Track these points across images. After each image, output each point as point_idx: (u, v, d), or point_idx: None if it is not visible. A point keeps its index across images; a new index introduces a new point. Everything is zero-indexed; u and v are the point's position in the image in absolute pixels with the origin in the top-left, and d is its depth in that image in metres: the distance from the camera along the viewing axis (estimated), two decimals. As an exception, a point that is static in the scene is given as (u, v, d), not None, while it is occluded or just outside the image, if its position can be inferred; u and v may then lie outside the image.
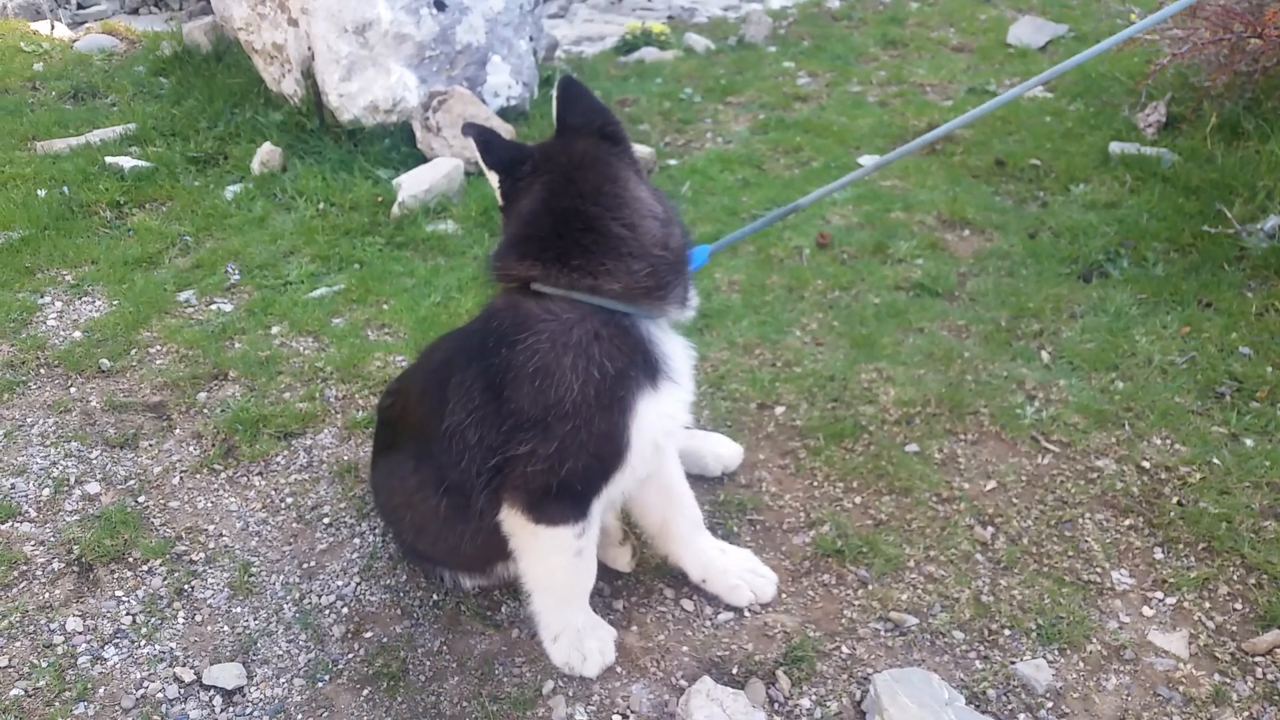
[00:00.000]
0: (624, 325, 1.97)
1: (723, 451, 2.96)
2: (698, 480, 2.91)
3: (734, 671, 2.35)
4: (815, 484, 2.90)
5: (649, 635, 2.47)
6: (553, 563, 2.24)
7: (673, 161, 5.22)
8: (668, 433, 2.07)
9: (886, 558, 2.61)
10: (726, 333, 3.59)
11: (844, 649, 2.40)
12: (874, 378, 3.30)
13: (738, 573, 2.53)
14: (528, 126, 5.47)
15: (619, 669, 2.38)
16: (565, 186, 2.00)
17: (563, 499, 2.07)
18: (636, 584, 2.63)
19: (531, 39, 5.80)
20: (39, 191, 4.75)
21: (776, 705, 2.27)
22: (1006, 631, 2.40)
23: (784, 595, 2.55)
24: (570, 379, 1.90)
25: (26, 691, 2.39)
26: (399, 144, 5.06)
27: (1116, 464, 2.84)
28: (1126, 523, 2.66)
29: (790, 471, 2.95)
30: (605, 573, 2.66)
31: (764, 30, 7.66)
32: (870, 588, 2.55)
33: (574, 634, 2.37)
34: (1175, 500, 2.70)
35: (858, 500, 2.83)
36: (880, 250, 4.08)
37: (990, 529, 2.69)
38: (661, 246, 2.02)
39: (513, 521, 2.17)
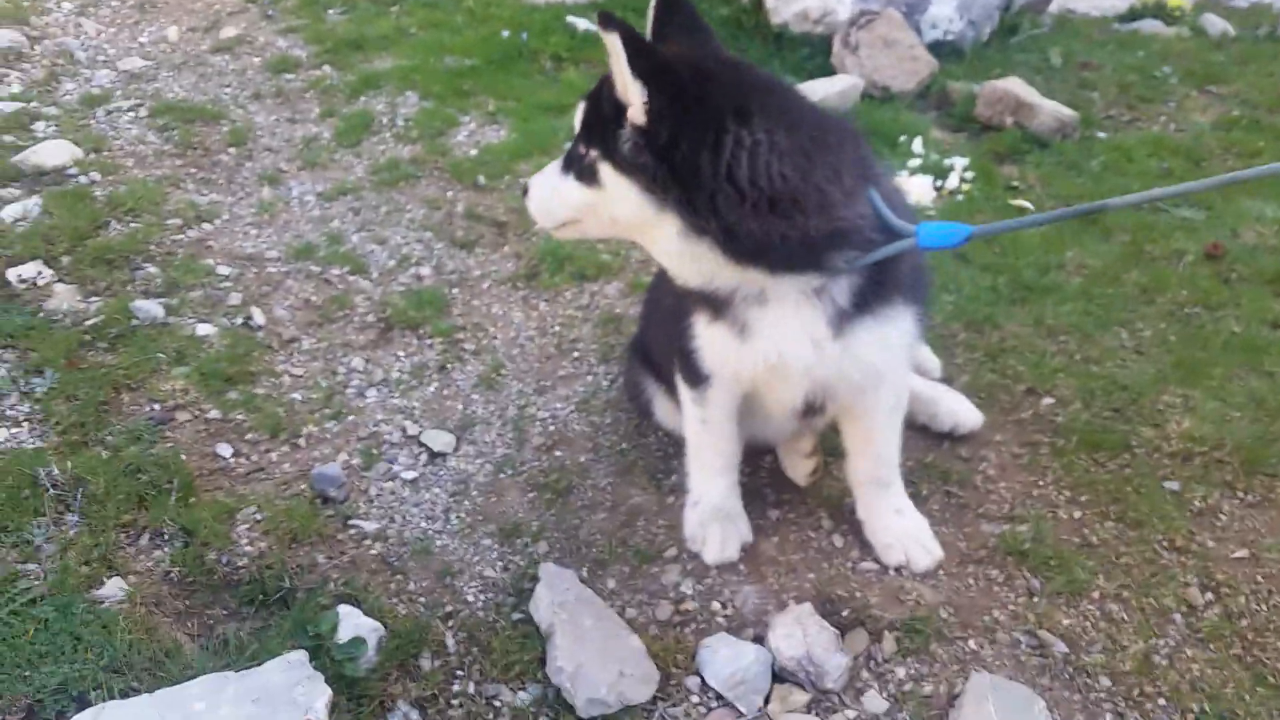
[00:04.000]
0: None
1: (959, 410, 2.77)
2: (921, 432, 2.77)
3: (844, 614, 2.27)
4: (1040, 484, 2.63)
5: (785, 550, 2.46)
6: (688, 415, 2.38)
7: (1102, 135, 4.71)
8: (739, 362, 2.09)
9: (1071, 578, 2.33)
10: (1040, 311, 3.28)
11: (971, 644, 2.21)
12: (1175, 403, 2.86)
13: (898, 534, 2.41)
14: (958, 65, 5.22)
15: (742, 567, 2.41)
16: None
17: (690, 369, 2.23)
18: (801, 501, 2.60)
19: (999, -22, 5.47)
20: (504, 32, 5.48)
21: (871, 662, 2.18)
22: (1161, 701, 2.06)
23: (940, 573, 2.38)
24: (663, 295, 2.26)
25: (303, 398, 2.98)
26: (816, 55, 5.10)
27: None
28: (1392, 654, 2.12)
29: (1021, 463, 2.70)
30: (782, 481, 2.67)
31: (1307, 24, 6.49)
32: (1035, 599, 2.30)
33: (709, 509, 2.43)
34: None
35: (1076, 515, 2.52)
36: (1279, 281, 3.44)
37: (1210, 595, 2.28)
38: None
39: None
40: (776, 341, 2.00)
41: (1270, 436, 2.71)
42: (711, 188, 1.78)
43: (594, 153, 1.91)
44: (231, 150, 4.42)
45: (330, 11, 6.04)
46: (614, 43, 1.70)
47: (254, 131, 4.59)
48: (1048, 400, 2.91)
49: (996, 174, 4.29)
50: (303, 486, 2.63)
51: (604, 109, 1.84)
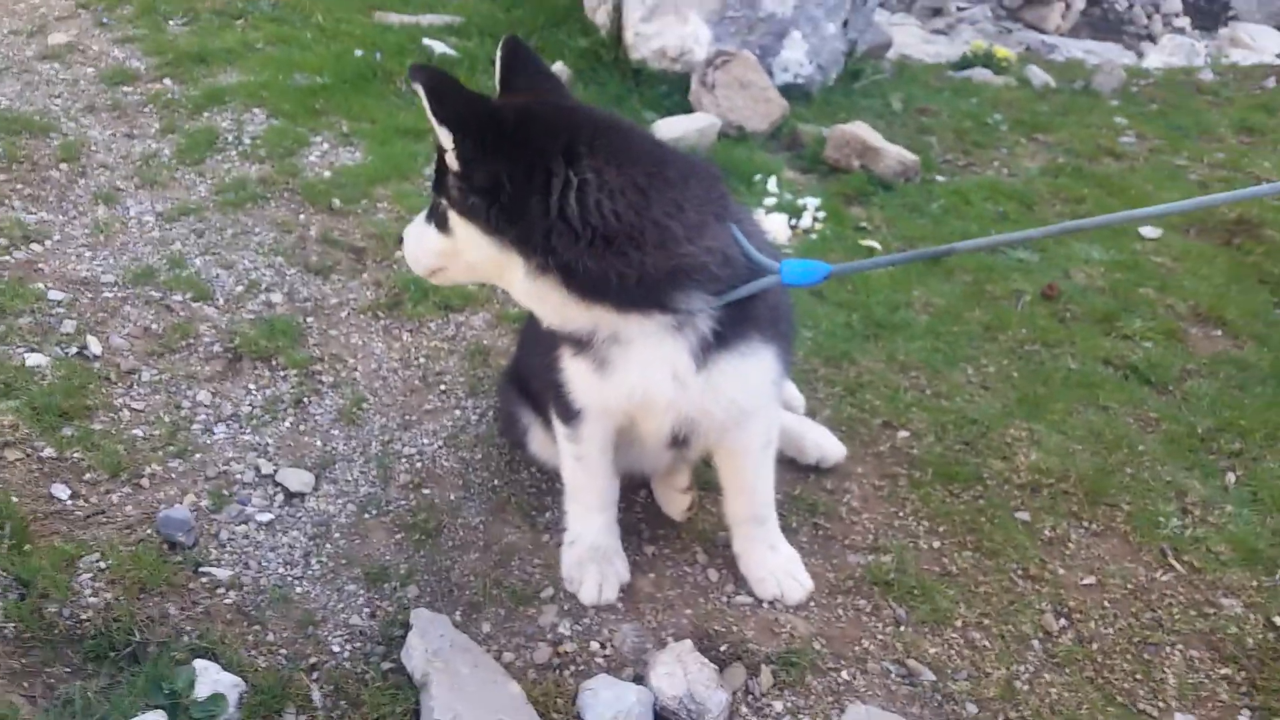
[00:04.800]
0: None
1: (824, 444, 2.85)
2: (789, 465, 2.83)
3: (722, 649, 2.28)
4: (900, 515, 2.72)
5: (662, 587, 2.45)
6: (563, 452, 2.36)
7: (940, 178, 4.99)
8: (603, 397, 2.11)
9: (934, 608, 2.42)
10: (892, 348, 3.42)
11: (844, 674, 2.26)
12: (1021, 436, 3.03)
13: (772, 569, 2.45)
14: (807, 108, 5.42)
15: (620, 605, 2.39)
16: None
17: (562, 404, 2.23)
18: (676, 537, 2.61)
19: (846, 25, 5.72)
20: (356, 51, 5.33)
21: (750, 697, 2.19)
22: (1023, 725, 2.16)
23: (812, 604, 2.43)
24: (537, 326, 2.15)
25: (144, 435, 2.77)
26: (674, 92, 5.19)
27: (1243, 609, 2.44)
28: (1223, 671, 2.29)
29: (881, 494, 2.79)
30: (658, 517, 2.67)
31: (1114, 82, 7.08)
32: (902, 629, 2.37)
33: (586, 548, 2.41)
34: (1297, 671, 2.29)
35: (935, 544, 2.63)
36: (1108, 320, 3.71)
37: (1063, 621, 2.41)
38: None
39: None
40: (638, 377, 2.01)
41: (1109, 468, 2.91)
42: (544, 226, 1.82)
43: (443, 201, 1.96)
44: (63, 166, 4.09)
45: (171, 22, 5.72)
46: (420, 91, 1.76)
47: (88, 146, 4.27)
48: (903, 433, 3.03)
49: (846, 214, 4.46)
50: (148, 531, 2.44)
51: (444, 159, 1.88)
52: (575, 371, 2.11)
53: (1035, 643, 2.36)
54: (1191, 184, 5.29)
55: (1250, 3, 15.27)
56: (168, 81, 4.98)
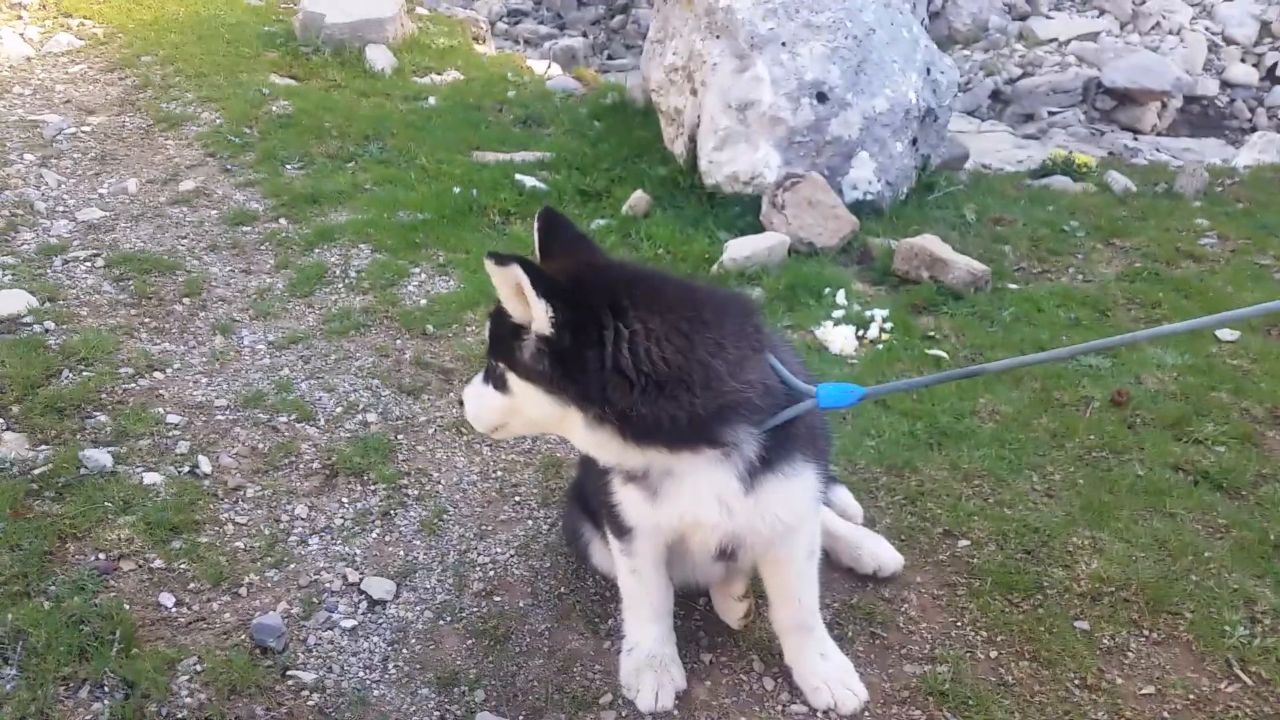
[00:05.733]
0: None
1: (881, 553, 2.93)
2: (846, 574, 2.92)
3: (773, 755, 2.36)
4: (958, 624, 2.77)
5: (718, 695, 2.55)
6: (619, 565, 2.52)
7: (1013, 286, 5.06)
8: (654, 520, 2.26)
9: (989, 717, 2.45)
10: (956, 455, 3.49)
11: (894, 782, 2.31)
12: (1083, 545, 3.04)
13: (825, 677, 2.52)
14: (878, 223, 5.59)
15: (676, 712, 2.49)
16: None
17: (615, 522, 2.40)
18: (734, 645, 2.71)
19: (915, 143, 5.92)
20: (455, 189, 5.77)
21: (799, 804, 2.26)
22: (1072, 835, 2.16)
23: (866, 714, 2.49)
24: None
25: (245, 547, 3.04)
26: (746, 213, 5.45)
27: (1312, 721, 2.40)
28: (1287, 786, 2.26)
29: (940, 604, 2.84)
30: (716, 624, 2.78)
31: (1197, 184, 7.04)
32: (954, 739, 2.41)
33: (643, 656, 2.53)
34: (1364, 785, 2.23)
35: (993, 654, 2.66)
36: (1179, 425, 3.70)
37: (1118, 732, 2.41)
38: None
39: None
40: (688, 503, 2.17)
41: (1173, 575, 2.90)
42: (600, 379, 1.98)
43: (501, 365, 2.13)
44: (186, 300, 4.56)
45: (288, 166, 6.30)
46: (513, 273, 1.91)
47: (209, 282, 4.75)
48: (964, 542, 3.08)
49: (914, 325, 4.57)
50: (243, 636, 2.68)
51: (504, 328, 2.07)
52: (626, 497, 2.28)
53: (1089, 753, 2.36)
54: (1276, 283, 5.23)
55: (1360, 94, 14.95)
56: (283, 221, 5.49)
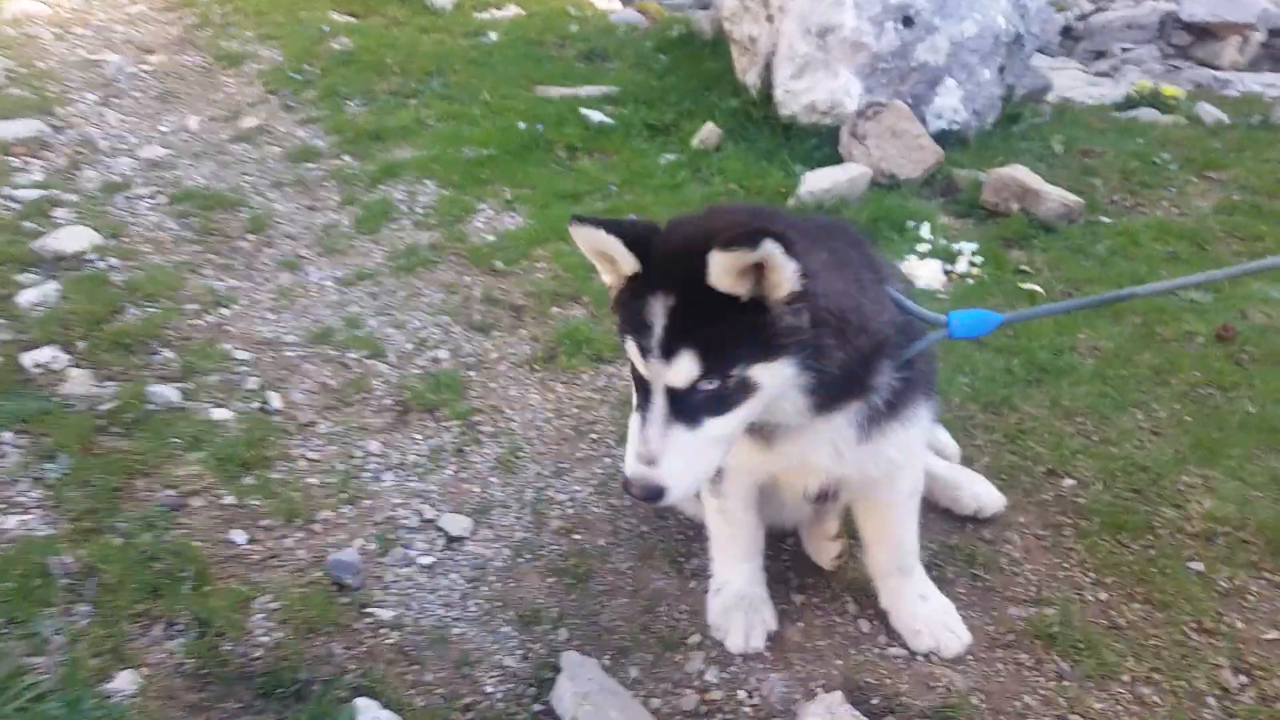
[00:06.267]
0: None
1: (982, 493, 2.76)
2: (944, 515, 2.75)
3: (873, 702, 2.22)
4: (1065, 566, 2.59)
5: (812, 637, 2.42)
6: (706, 505, 2.37)
7: (1105, 219, 4.78)
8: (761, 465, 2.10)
9: (1101, 661, 2.28)
10: (1056, 393, 3.28)
11: (1004, 731, 2.16)
12: (1195, 483, 2.84)
13: (926, 619, 2.38)
14: (963, 153, 5.32)
15: (767, 654, 2.36)
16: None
17: None
18: (826, 586, 2.57)
19: (1002, 71, 5.61)
20: (519, 124, 5.61)
21: (903, 752, 2.12)
22: (1203, 790, 2.00)
23: (969, 658, 2.34)
24: None
25: (319, 483, 2.96)
26: (824, 145, 5.21)
27: None
28: None
29: (1045, 545, 2.67)
30: (806, 565, 2.64)
31: (1300, 114, 6.63)
32: (1065, 684, 2.25)
33: (732, 596, 2.40)
34: None
35: (1102, 596, 2.48)
36: (1293, 361, 3.45)
37: (1243, 678, 2.23)
38: None
39: None
40: (801, 450, 2.00)
41: (1294, 517, 2.69)
42: (815, 333, 1.74)
43: (737, 369, 1.71)
44: (250, 237, 4.48)
45: (350, 103, 6.19)
46: (765, 249, 1.60)
47: (273, 219, 4.66)
48: (1068, 481, 2.90)
49: (1005, 258, 4.34)
50: (318, 574, 2.60)
51: (724, 327, 1.69)
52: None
53: (1211, 700, 2.20)
54: (1396, 214, 4.88)
55: None
56: (347, 158, 5.38)
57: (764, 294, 1.69)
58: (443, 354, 3.61)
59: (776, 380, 1.75)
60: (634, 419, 1.81)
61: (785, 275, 1.66)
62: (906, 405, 2.02)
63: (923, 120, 5.20)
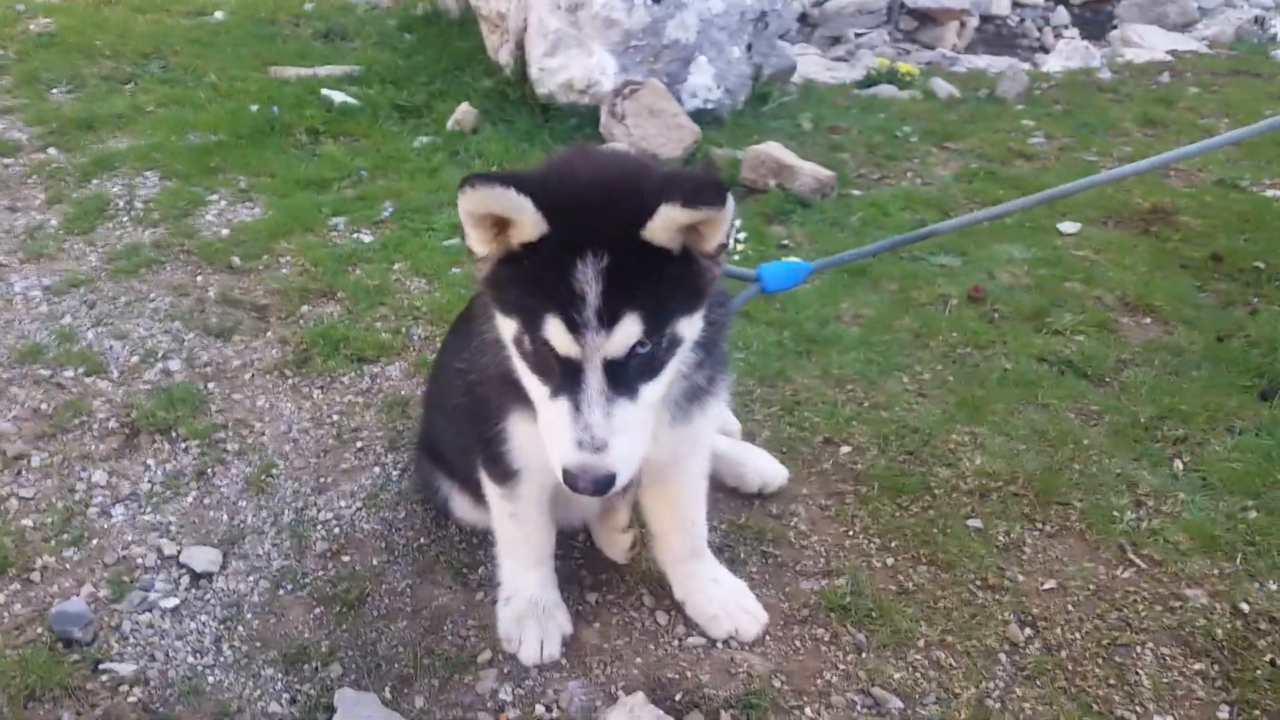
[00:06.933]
0: None
1: (765, 468, 2.73)
2: (731, 494, 2.70)
3: (677, 698, 2.13)
4: (850, 533, 2.61)
5: (608, 636, 2.29)
6: (496, 510, 2.22)
7: (856, 192, 4.95)
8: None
9: (895, 629, 2.29)
10: (826, 362, 3.33)
11: (808, 710, 2.12)
12: (964, 441, 2.94)
13: (722, 603, 2.31)
14: (719, 131, 5.37)
15: (564, 661, 2.22)
16: None
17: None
18: (620, 580, 2.45)
19: (750, 48, 5.70)
20: (252, 106, 5.15)
21: (710, 746, 2.04)
22: (999, 745, 2.04)
23: (767, 639, 2.29)
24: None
25: (35, 524, 2.54)
26: (584, 125, 5.11)
27: (1209, 598, 2.36)
28: (1196, 667, 2.20)
29: (829, 514, 2.67)
30: (598, 561, 2.51)
31: (1018, 88, 7.18)
32: (864, 655, 2.24)
33: (524, 603, 2.24)
34: (1269, 658, 2.20)
35: (889, 561, 2.51)
36: (1038, 317, 3.66)
37: (1029, 630, 2.30)
38: None
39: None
40: None
41: (1056, 466, 2.83)
42: None
43: (670, 326, 1.62)
44: (-65, 246, 3.85)
45: (54, 91, 5.48)
46: (731, 204, 1.55)
47: (-39, 223, 4.02)
48: (845, 448, 2.93)
49: (766, 233, 4.39)
50: (39, 630, 2.22)
51: (661, 282, 1.58)
52: (526, 437, 1.93)
53: (1003, 656, 2.25)
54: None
55: (1133, 10, 15.84)
56: (52, 150, 4.75)
57: (693, 245, 1.59)
58: (175, 365, 3.20)
59: (693, 333, 1.66)
60: (557, 405, 1.61)
61: (724, 229, 1.58)
62: (719, 379, 1.93)
63: (679, 99, 5.20)
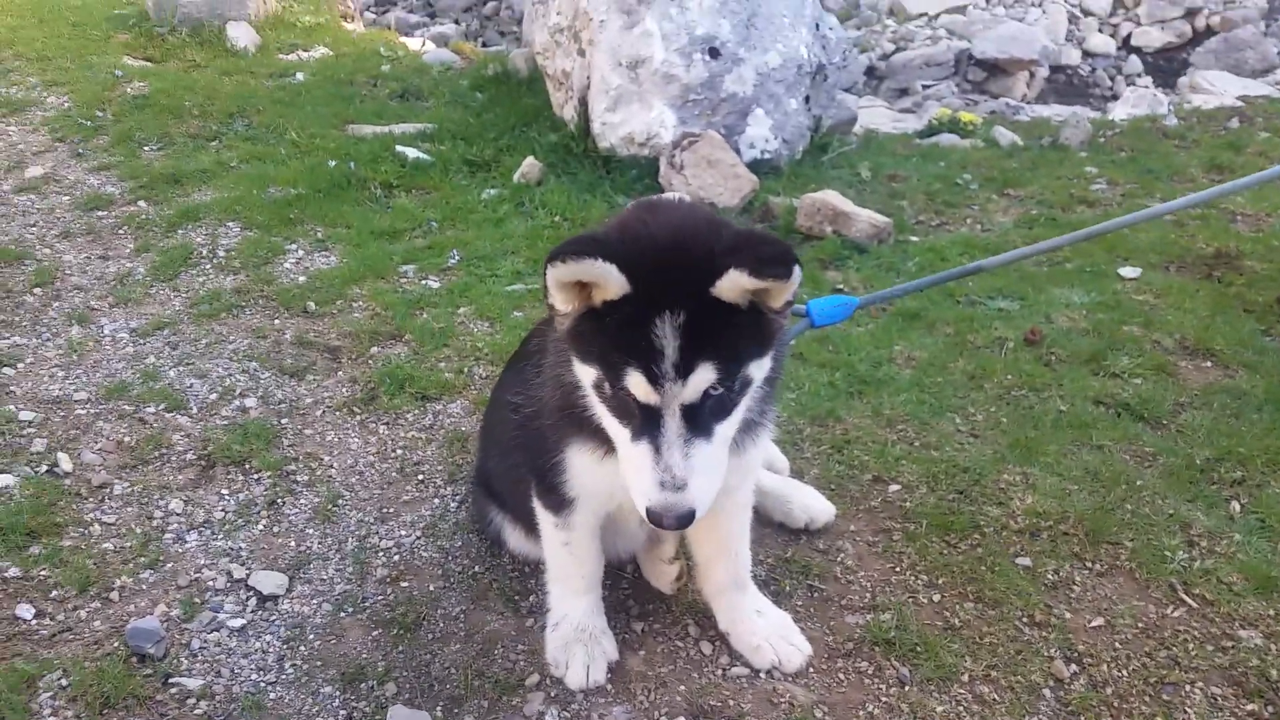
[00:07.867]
0: None
1: (812, 504, 2.77)
2: (778, 530, 2.75)
3: (718, 724, 2.17)
4: (897, 570, 2.63)
5: (654, 664, 2.35)
6: (549, 539, 2.30)
7: (914, 238, 4.99)
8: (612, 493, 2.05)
9: (939, 663, 2.31)
10: (877, 403, 3.36)
11: (850, 740, 2.14)
12: (1015, 480, 2.95)
13: (765, 634, 2.35)
14: (777, 181, 5.47)
15: (609, 687, 2.28)
16: None
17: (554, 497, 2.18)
18: (666, 610, 2.51)
19: (808, 100, 5.81)
20: (330, 162, 5.40)
21: (751, 773, 2.07)
22: (1041, 779, 2.03)
23: (810, 670, 2.32)
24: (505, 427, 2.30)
25: (115, 548, 2.70)
26: (644, 175, 5.25)
27: (1264, 639, 2.33)
28: (1249, 707, 2.17)
29: (876, 551, 2.70)
30: (645, 592, 2.57)
31: (1081, 135, 7.16)
32: (907, 689, 2.26)
33: (571, 629, 2.31)
34: (1325, 699, 2.17)
35: (935, 598, 2.52)
36: (1095, 360, 3.65)
37: (1074, 667, 2.30)
38: None
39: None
40: None
41: (1108, 506, 2.82)
42: None
43: (748, 367, 1.75)
44: (37, 291, 4.11)
45: (146, 148, 5.82)
46: (799, 274, 1.66)
47: (62, 270, 4.29)
48: (894, 487, 2.95)
49: (823, 279, 4.45)
50: (116, 644, 2.36)
51: (732, 332, 1.69)
52: (586, 469, 2.04)
53: (1047, 692, 2.24)
54: (1168, 223, 5.30)
55: (1208, 58, 15.65)
56: (142, 203, 5.04)
57: (761, 301, 1.70)
58: (251, 402, 3.38)
59: (761, 373, 1.78)
60: (639, 448, 1.73)
61: (790, 292, 1.69)
62: (768, 410, 2.01)
63: (736, 150, 5.32)
